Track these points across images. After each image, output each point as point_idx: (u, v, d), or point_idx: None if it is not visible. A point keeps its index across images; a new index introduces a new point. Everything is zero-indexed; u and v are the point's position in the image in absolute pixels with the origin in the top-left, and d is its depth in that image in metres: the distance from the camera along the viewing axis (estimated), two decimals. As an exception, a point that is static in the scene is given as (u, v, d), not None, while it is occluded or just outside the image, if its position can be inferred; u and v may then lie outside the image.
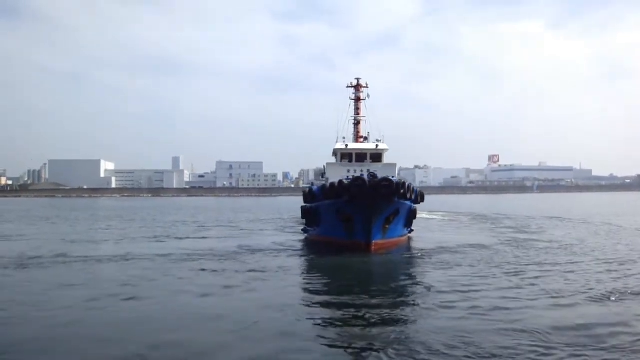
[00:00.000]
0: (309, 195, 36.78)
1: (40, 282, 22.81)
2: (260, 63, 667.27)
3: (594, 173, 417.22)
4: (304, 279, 24.57)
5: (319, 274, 25.26)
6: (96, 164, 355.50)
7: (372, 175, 30.70)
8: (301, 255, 32.24)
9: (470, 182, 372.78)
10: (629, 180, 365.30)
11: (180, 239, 43.16)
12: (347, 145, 43.36)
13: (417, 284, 22.25)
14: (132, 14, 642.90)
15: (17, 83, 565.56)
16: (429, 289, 20.31)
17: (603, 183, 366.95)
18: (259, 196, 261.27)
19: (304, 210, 40.76)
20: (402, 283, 23.03)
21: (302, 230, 43.74)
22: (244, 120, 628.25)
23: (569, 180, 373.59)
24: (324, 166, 47.19)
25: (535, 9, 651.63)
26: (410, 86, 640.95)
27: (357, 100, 48.38)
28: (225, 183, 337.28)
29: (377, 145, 42.84)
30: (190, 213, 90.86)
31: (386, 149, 43.17)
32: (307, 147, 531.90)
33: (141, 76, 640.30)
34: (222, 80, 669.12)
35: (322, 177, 48.89)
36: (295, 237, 42.62)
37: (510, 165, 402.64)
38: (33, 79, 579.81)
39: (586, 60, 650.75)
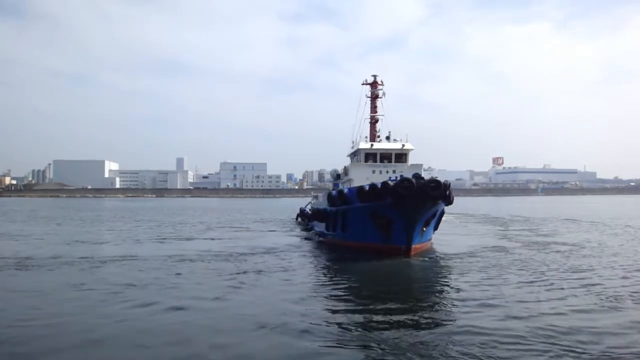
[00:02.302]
0: (339, 198, 34.47)
1: (50, 284, 22.51)
2: (266, 64, 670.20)
3: (598, 176, 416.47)
4: (329, 283, 23.55)
5: (351, 279, 24.24)
6: (100, 164, 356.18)
7: (417, 177, 29.69)
8: (325, 260, 31.19)
9: (475, 184, 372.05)
10: (633, 183, 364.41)
11: (190, 240, 42.99)
12: (372, 145, 41.39)
13: (453, 290, 21.38)
14: (138, 16, 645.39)
15: (22, 83, 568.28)
16: (467, 297, 19.29)
17: (607, 186, 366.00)
18: (263, 197, 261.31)
19: (321, 214, 39.12)
20: (438, 288, 22.37)
21: (317, 234, 42.45)
22: (249, 122, 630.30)
23: (573, 183, 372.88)
24: (346, 167, 44.88)
25: (541, 11, 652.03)
26: (415, 88, 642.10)
27: (375, 97, 45.58)
28: (229, 184, 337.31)
29: (403, 145, 40.91)
30: (197, 214, 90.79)
31: (411, 149, 41.29)
32: (311, 148, 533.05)
33: (146, 77, 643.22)
34: (227, 82, 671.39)
35: (339, 178, 47.04)
36: (309, 241, 41.60)
37: (515, 168, 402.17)
38: (38, 79, 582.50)
39: (592, 62, 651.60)
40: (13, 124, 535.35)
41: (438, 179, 30.03)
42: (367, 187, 30.98)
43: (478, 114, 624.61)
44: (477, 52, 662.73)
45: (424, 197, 28.95)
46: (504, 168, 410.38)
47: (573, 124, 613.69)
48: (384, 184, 29.72)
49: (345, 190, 34.35)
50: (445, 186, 29.66)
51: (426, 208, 30.17)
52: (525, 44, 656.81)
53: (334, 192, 36.37)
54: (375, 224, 31.01)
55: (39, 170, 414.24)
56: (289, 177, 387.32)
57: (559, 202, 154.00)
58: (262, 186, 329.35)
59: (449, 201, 31.96)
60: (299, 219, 66.78)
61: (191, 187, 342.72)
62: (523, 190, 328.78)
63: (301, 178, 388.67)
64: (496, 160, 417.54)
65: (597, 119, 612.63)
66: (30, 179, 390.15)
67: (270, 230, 54.28)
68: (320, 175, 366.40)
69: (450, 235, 43.28)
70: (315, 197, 61.82)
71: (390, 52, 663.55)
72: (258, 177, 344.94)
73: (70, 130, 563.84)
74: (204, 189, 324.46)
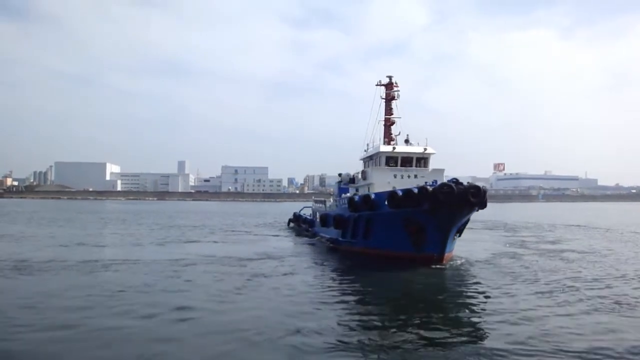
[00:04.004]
0: (364, 204, 32.70)
1: (54, 288, 22.42)
2: (269, 68, 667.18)
3: (599, 182, 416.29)
4: (351, 293, 22.60)
5: (377, 289, 23.47)
6: (102, 166, 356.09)
7: (456, 182, 28.88)
8: (346, 268, 30.14)
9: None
10: (634, 190, 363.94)
11: (195, 243, 43.06)
12: (394, 148, 39.05)
13: (483, 302, 20.63)
14: (141, 17, 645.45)
15: (25, 84, 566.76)
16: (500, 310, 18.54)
17: (608, 192, 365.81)
18: (264, 201, 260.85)
19: (337, 220, 37.50)
20: (468, 300, 21.48)
21: (329, 240, 40.59)
22: (251, 125, 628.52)
23: (574, 190, 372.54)
24: (364, 171, 42.21)
25: (545, 18, 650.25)
26: (418, 93, 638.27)
27: (391, 99, 42.83)
28: (230, 188, 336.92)
29: (425, 149, 38.98)
30: (199, 217, 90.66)
31: (433, 153, 39.29)
32: (313, 152, 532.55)
33: (148, 79, 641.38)
34: (230, 85, 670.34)
35: (353, 182, 44.81)
36: (316, 247, 40.73)
37: (516, 174, 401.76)
38: (40, 80, 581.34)
39: (594, 69, 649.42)
40: (15, 124, 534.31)
41: (477, 184, 29.41)
42: (400, 192, 29.85)
43: (480, 119, 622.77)
44: (480, 57, 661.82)
45: (463, 203, 28.20)
46: (505, 174, 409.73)
47: (575, 130, 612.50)
48: (422, 189, 28.67)
49: (374, 196, 32.69)
50: (484, 192, 29.05)
51: (463, 214, 29.55)
52: (528, 50, 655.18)
53: (356, 197, 34.77)
54: (407, 231, 29.99)
55: (40, 172, 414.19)
56: (290, 181, 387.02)
57: (561, 209, 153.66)
58: (263, 190, 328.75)
59: (484, 206, 30.72)
60: (292, 224, 65.24)
61: (192, 191, 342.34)
62: (524, 196, 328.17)
63: (302, 182, 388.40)
64: (497, 167, 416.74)
65: (599, 125, 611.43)
66: (31, 180, 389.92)
67: (274, 235, 54.39)
68: (322, 180, 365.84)
69: (464, 242, 43.29)
70: (321, 202, 58.70)
71: (394, 57, 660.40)
72: (259, 181, 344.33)
73: (72, 132, 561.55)
74: (205, 192, 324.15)
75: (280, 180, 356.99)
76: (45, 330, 15.48)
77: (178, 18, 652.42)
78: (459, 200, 27.84)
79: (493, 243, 44.67)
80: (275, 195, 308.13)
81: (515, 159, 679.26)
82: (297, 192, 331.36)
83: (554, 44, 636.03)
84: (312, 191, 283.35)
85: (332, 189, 65.75)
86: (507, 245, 43.19)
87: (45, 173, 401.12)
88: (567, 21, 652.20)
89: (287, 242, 46.19)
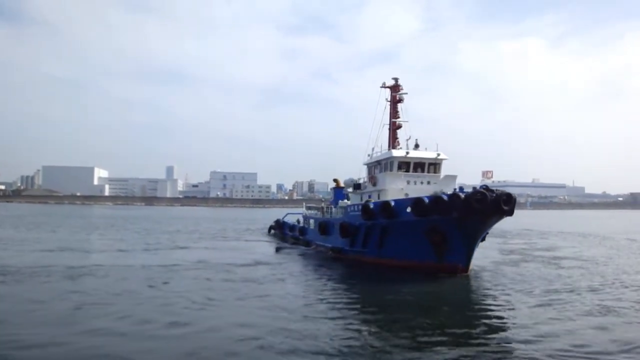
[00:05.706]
0: (382, 211, 31.23)
1: (42, 294, 22.17)
2: (261, 75, 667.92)
3: (586, 190, 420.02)
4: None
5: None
6: (90, 171, 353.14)
7: (486, 188, 28.02)
8: (359, 280, 28.73)
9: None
10: (621, 198, 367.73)
11: (188, 250, 42.89)
12: (407, 153, 37.33)
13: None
14: (136, 24, 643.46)
15: (17, 88, 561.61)
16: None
17: (596, 200, 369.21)
18: (253, 207, 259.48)
19: (344, 228, 35.64)
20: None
21: (331, 249, 38.58)
22: (240, 131, 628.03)
23: (562, 197, 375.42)
24: (374, 176, 40.41)
25: (536, 28, 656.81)
26: (408, 101, 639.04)
27: (397, 102, 41.34)
28: (218, 193, 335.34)
29: (438, 154, 37.55)
30: (190, 223, 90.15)
31: (445, 159, 37.97)
32: (302, 159, 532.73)
33: (141, 85, 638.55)
34: (220, 91, 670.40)
35: (358, 188, 42.90)
36: (320, 257, 39.05)
37: (504, 181, 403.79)
38: (34, 84, 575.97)
39: (583, 79, 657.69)
40: (3, 127, 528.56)
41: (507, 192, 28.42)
42: (426, 199, 28.65)
43: (469, 126, 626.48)
44: (471, 66, 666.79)
45: (495, 211, 27.42)
46: (493, 182, 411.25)
47: (564, 139, 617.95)
48: (454, 196, 27.80)
49: (392, 203, 31.25)
50: (515, 200, 28.30)
51: (492, 222, 28.86)
52: (518, 59, 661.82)
53: (371, 204, 32.96)
54: (429, 240, 29.08)
55: (27, 176, 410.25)
56: (279, 187, 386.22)
57: (549, 217, 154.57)
58: (252, 196, 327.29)
59: (512, 214, 29.12)
60: (272, 231, 63.37)
61: (180, 196, 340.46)
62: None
63: (291, 188, 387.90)
64: (485, 174, 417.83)
65: (587, 134, 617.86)
66: (19, 184, 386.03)
67: (266, 241, 54.12)
68: (311, 186, 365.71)
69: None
70: (318, 208, 54.79)
71: (386, 66, 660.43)
72: (248, 186, 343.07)
73: (61, 136, 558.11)
74: (193, 197, 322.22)
75: (269, 186, 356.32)
76: (31, 336, 15.43)
77: (172, 25, 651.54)
78: (492, 208, 27.14)
79: (492, 250, 44.29)
80: (264, 201, 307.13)
81: (503, 166, 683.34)
82: (286, 198, 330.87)
83: (543, 53, 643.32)
84: (301, 197, 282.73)
85: (321, 195, 64.36)
86: (508, 252, 43.44)
87: (33, 177, 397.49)
88: (557, 31, 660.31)
89: (283, 251, 45.44)
